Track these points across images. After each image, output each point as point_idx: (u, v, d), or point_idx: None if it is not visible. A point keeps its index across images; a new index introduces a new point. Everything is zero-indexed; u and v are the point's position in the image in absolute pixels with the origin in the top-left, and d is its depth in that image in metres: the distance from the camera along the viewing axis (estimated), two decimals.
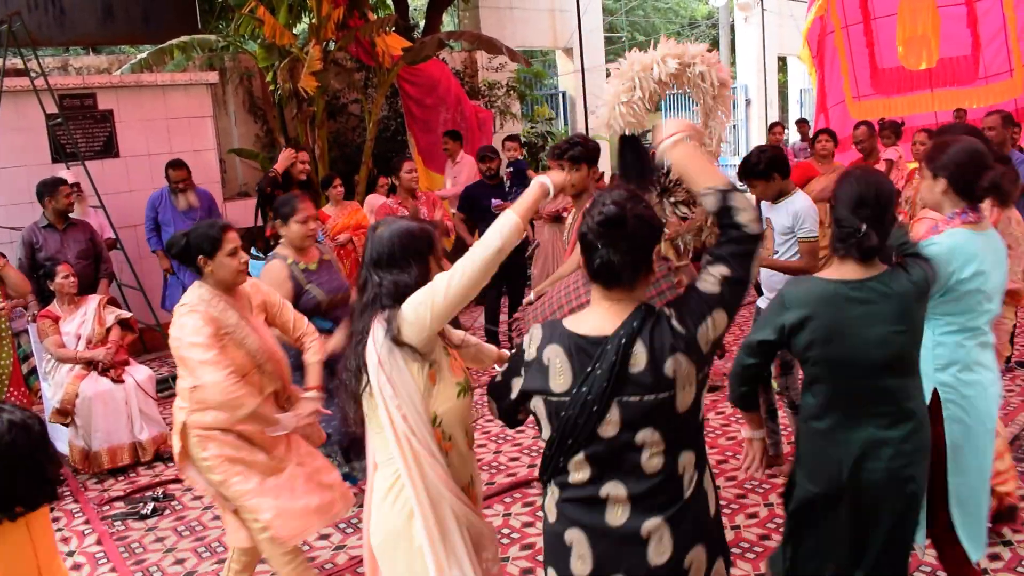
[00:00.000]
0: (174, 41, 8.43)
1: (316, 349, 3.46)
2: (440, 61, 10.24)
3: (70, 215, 6.07)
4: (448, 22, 14.45)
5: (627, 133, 3.26)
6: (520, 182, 6.73)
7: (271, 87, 9.31)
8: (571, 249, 3.83)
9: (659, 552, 1.96)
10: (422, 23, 11.68)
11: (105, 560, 4.12)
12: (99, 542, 4.31)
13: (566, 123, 14.20)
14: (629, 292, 1.96)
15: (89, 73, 9.07)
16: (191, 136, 8.01)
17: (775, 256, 4.17)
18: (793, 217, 4.05)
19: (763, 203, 4.24)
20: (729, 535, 3.78)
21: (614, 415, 1.90)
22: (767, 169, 4.10)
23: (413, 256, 2.33)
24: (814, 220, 4.07)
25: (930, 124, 9.24)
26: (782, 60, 20.38)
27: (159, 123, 8.11)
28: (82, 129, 7.71)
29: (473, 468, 2.44)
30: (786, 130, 11.49)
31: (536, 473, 3.21)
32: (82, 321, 5.37)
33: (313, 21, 8.33)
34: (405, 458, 2.23)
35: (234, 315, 3.16)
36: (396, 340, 2.22)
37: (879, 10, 10.59)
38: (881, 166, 7.02)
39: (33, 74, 7.02)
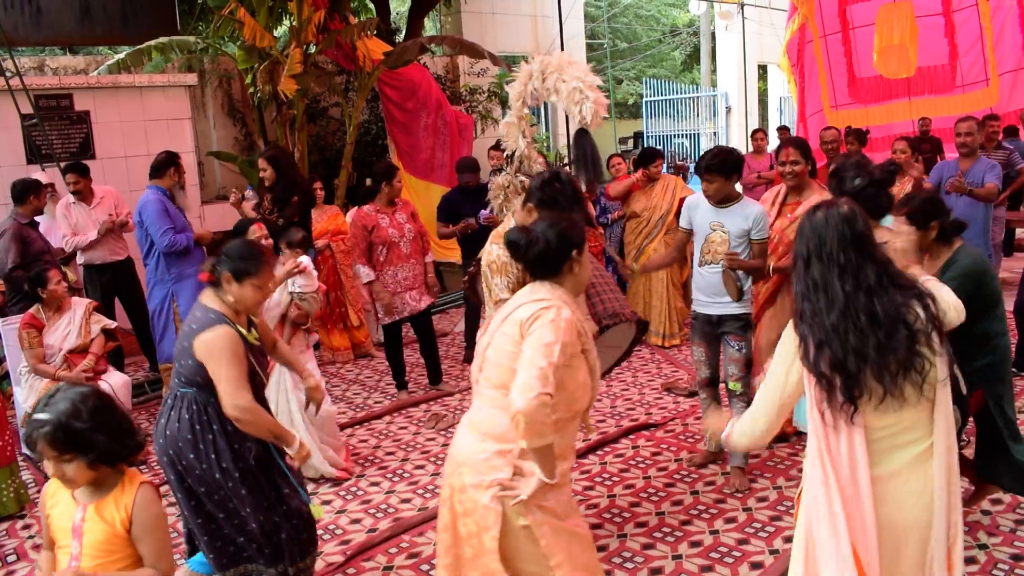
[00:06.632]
0: (153, 42, 8.34)
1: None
2: (421, 66, 10.21)
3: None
4: (430, 27, 14.41)
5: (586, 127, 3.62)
6: None
7: (251, 90, 9.23)
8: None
9: None
10: (404, 27, 11.65)
11: None
12: None
13: (547, 129, 14.22)
14: None
15: (66, 74, 8.96)
16: (169, 138, 7.92)
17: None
18: (753, 220, 4.23)
19: (709, 209, 4.31)
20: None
21: None
22: (734, 167, 4.24)
23: None
24: (767, 224, 4.30)
25: (909, 132, 9.37)
26: (762, 68, 20.53)
27: (137, 125, 8.02)
28: (58, 130, 7.61)
29: None
30: (767, 136, 11.56)
31: None
32: (67, 333, 5.29)
33: (293, 24, 8.28)
34: (938, 425, 2.29)
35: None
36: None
37: (858, 20, 10.69)
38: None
39: (8, 74, 6.92)
